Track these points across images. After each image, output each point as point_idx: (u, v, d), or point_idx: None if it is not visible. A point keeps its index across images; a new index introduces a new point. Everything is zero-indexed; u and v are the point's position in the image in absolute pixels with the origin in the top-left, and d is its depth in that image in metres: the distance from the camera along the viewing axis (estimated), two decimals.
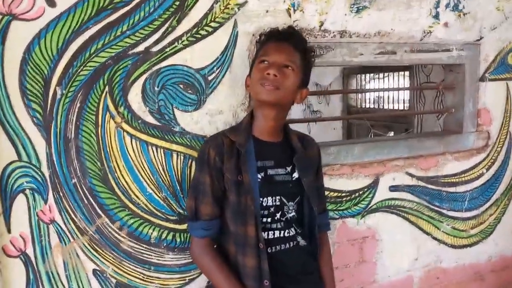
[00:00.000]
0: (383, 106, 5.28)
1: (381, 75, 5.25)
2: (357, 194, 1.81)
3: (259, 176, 1.32)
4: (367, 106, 5.60)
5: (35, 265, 1.34)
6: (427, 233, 1.98)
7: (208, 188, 1.32)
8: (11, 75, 1.25)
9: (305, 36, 1.60)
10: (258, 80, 1.29)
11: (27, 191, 1.31)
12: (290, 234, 1.36)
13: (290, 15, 1.57)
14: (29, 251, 1.33)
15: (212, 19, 1.46)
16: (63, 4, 1.27)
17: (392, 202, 1.88)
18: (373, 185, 1.83)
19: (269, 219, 1.33)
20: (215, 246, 1.39)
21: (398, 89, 4.41)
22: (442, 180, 1.98)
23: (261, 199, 1.31)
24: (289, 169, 1.38)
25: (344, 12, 1.66)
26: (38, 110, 1.29)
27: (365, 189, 1.82)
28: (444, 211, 2.01)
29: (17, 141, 1.28)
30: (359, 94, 5.78)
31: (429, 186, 1.95)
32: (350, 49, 1.73)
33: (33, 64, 1.26)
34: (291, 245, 1.36)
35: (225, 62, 1.49)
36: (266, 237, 1.32)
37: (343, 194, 1.78)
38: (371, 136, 4.83)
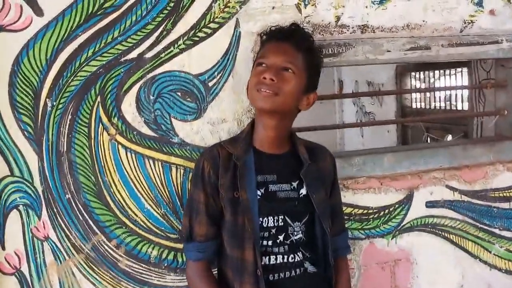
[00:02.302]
0: (455, 106, 4.76)
1: (452, 71, 4.77)
2: (386, 211, 1.59)
3: (258, 192, 1.18)
4: (424, 106, 5.18)
5: (30, 283, 1.30)
6: (475, 256, 1.70)
7: (202, 206, 1.19)
8: (0, 88, 1.22)
9: (320, 33, 1.44)
10: (254, 85, 1.15)
11: (21, 207, 1.27)
12: (296, 260, 1.20)
13: (300, 11, 1.41)
14: (24, 268, 1.29)
15: (211, 20, 1.34)
16: (50, 12, 1.22)
17: (430, 220, 1.63)
18: (406, 201, 1.60)
19: (270, 242, 1.18)
20: (214, 270, 1.26)
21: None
22: (492, 194, 1.69)
23: (260, 218, 1.17)
24: (295, 184, 1.22)
25: (364, 4, 1.47)
26: (29, 123, 1.25)
27: (396, 205, 1.59)
28: (496, 231, 1.71)
29: (9, 156, 1.25)
30: (424, 94, 5.33)
31: (476, 201, 1.67)
32: (374, 45, 1.52)
33: (23, 76, 1.23)
34: (297, 272, 1.19)
35: (227, 66, 1.37)
36: (267, 263, 1.17)
37: (370, 211, 1.57)
38: (427, 140, 4.45)
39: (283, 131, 1.23)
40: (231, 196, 1.17)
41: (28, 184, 1.27)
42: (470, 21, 1.58)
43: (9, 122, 1.23)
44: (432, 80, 4.95)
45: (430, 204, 1.63)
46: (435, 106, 4.99)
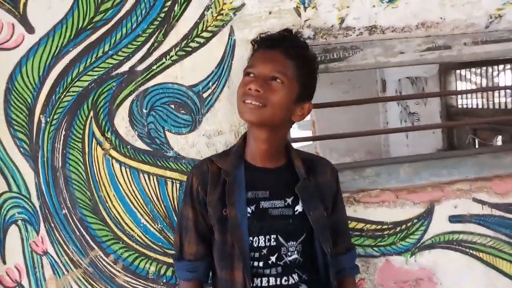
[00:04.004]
0: (493, 105, 4.43)
1: (500, 67, 4.41)
2: (403, 226, 1.45)
3: (248, 209, 1.10)
4: (469, 105, 4.83)
5: None
6: (510, 277, 1.52)
7: (191, 224, 1.14)
8: None
9: (322, 37, 1.35)
10: (241, 97, 1.08)
11: (19, 222, 1.29)
12: (290, 282, 1.11)
13: (299, 14, 1.32)
14: (25, 282, 1.31)
15: (204, 29, 1.29)
16: (41, 29, 1.23)
17: (455, 236, 1.47)
18: (426, 216, 1.46)
19: (260, 263, 1.10)
20: None
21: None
22: None
23: (250, 238, 1.09)
24: (289, 200, 1.13)
25: (371, 3, 1.35)
26: (24, 140, 1.26)
27: (415, 220, 1.45)
28: None
29: (6, 172, 1.27)
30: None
31: (510, 215, 1.49)
32: (385, 47, 1.40)
33: (17, 93, 1.24)
34: None
35: (222, 75, 1.31)
36: (258, 285, 1.10)
37: (385, 227, 1.44)
38: (473, 143, 4.14)
39: (276, 143, 1.14)
40: (219, 214, 1.10)
41: (26, 200, 1.28)
42: (497, 15, 1.41)
43: (6, 138, 1.25)
44: (478, 77, 4.60)
45: (454, 219, 1.47)
46: (485, 105, 4.62)
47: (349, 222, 1.40)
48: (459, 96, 5.08)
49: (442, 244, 1.47)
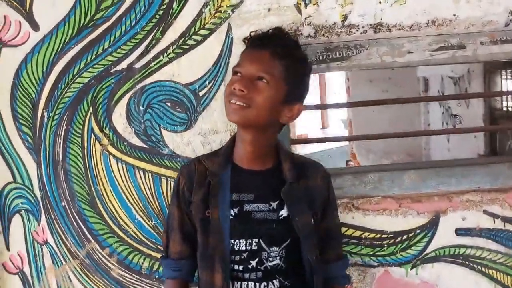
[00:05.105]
0: None
1: None
2: (404, 236, 1.38)
3: (232, 212, 1.09)
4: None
5: (31, 283, 1.38)
6: None
7: (176, 223, 1.15)
8: (3, 100, 1.30)
9: (324, 35, 1.31)
10: (227, 96, 1.07)
11: (22, 212, 1.35)
12: None
13: (300, 11, 1.28)
14: (26, 269, 1.37)
15: (202, 26, 1.28)
16: (45, 26, 1.27)
17: (461, 250, 1.38)
18: (430, 226, 1.37)
19: (240, 267, 1.08)
20: None
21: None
22: None
23: (231, 241, 1.08)
24: (274, 204, 1.11)
25: (377, 0, 1.29)
26: (28, 133, 1.32)
27: (417, 231, 1.37)
28: None
29: (12, 163, 1.33)
30: None
31: None
32: (392, 46, 1.33)
33: (22, 89, 1.30)
34: None
35: (218, 74, 1.30)
36: None
37: (384, 236, 1.38)
38: (511, 149, 3.87)
39: (263, 145, 1.12)
40: (202, 215, 1.10)
41: (29, 191, 1.34)
42: None
43: (12, 132, 1.31)
44: None
45: (462, 232, 1.38)
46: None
47: (346, 229, 1.35)
48: (505, 98, 4.75)
49: (447, 257, 1.39)
